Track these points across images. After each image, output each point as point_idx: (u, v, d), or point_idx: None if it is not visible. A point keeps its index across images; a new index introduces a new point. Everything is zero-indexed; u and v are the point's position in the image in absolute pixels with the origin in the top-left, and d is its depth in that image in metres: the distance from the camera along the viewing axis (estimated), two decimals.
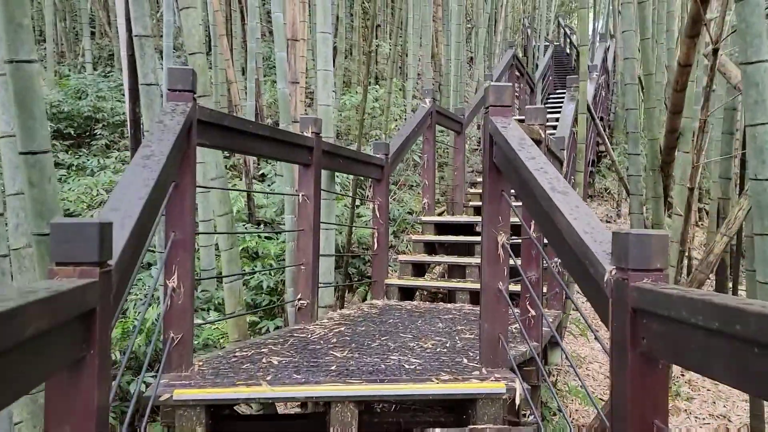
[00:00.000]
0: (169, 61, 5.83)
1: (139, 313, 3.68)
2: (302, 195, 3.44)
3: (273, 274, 4.73)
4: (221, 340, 3.95)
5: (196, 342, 3.57)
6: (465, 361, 2.58)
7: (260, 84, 8.65)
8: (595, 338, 4.86)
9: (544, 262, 3.04)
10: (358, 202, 5.81)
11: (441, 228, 5.34)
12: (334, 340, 2.98)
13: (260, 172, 7.07)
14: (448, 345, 2.90)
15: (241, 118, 2.57)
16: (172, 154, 2.09)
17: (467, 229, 5.17)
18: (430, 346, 2.88)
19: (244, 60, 8.70)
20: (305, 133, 3.39)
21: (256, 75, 7.46)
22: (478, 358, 2.55)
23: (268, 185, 6.84)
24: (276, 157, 3.35)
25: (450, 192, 7.83)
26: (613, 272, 1.26)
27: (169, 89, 2.34)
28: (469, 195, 6.73)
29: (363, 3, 12.85)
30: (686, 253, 5.54)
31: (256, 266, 4.77)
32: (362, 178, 5.35)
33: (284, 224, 5.63)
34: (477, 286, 4.47)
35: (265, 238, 5.61)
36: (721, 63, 3.91)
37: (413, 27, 10.30)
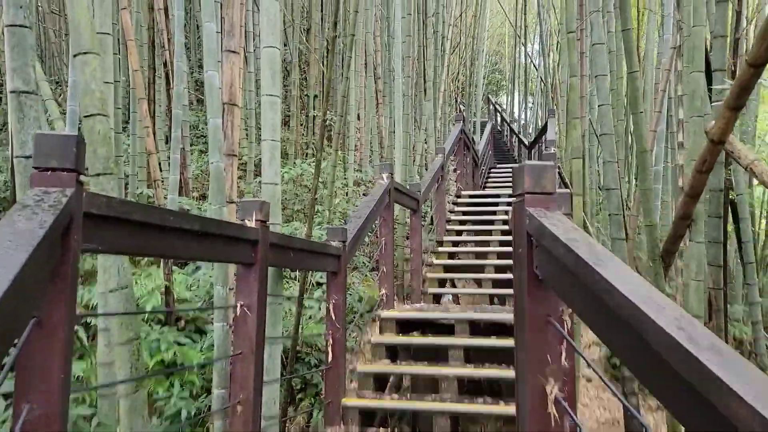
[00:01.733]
0: (74, 128, 4.85)
1: None
2: (241, 306, 2.54)
3: (196, 395, 3.68)
4: None
5: None
6: None
7: (186, 155, 7.74)
8: None
9: None
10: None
11: (404, 325, 4.50)
12: None
13: None
14: None
15: (158, 209, 1.68)
16: (28, 275, 1.18)
17: (439, 327, 4.37)
18: None
19: (168, 128, 7.79)
20: (247, 222, 2.52)
21: (182, 145, 6.55)
22: None
23: (193, 270, 5.81)
24: (208, 258, 2.43)
25: (400, 276, 7.07)
26: None
27: (35, 167, 1.45)
28: (426, 280, 5.95)
29: (302, 72, 12.34)
30: None
31: (173, 387, 3.70)
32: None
33: (211, 323, 4.63)
34: (458, 407, 3.63)
35: (186, 338, 4.57)
36: (728, 141, 3.42)
37: (355, 98, 9.80)
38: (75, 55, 2.21)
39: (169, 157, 6.37)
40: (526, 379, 1.70)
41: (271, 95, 3.13)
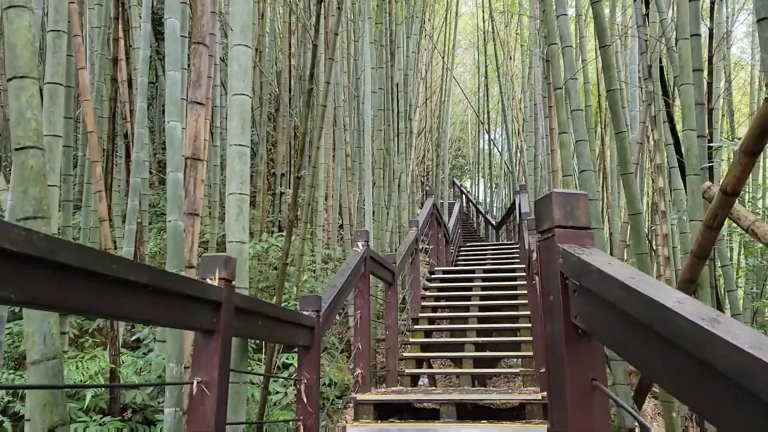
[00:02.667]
0: None
1: None
2: (198, 383, 2.09)
3: None
4: None
5: None
6: None
7: (143, 230, 7.26)
8: None
9: None
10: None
11: (383, 410, 4.01)
12: None
13: (134, 337, 5.45)
14: None
15: (95, 251, 1.28)
16: None
17: (419, 412, 3.90)
18: None
19: (126, 205, 7.36)
20: (209, 281, 2.13)
21: (140, 219, 6.13)
22: None
23: (143, 353, 5.22)
24: (159, 321, 1.97)
25: (372, 357, 6.57)
26: None
27: None
28: (403, 360, 5.49)
29: (269, 150, 12.20)
30: None
31: None
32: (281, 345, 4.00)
33: (162, 411, 4.03)
34: None
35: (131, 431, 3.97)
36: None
37: (323, 173, 9.62)
38: (9, 79, 1.87)
39: (124, 235, 5.90)
40: None
41: (241, 145, 2.82)
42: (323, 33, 9.94)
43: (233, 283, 2.23)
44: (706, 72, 4.78)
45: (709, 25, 5.04)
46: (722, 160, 7.01)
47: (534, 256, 1.57)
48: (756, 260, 6.74)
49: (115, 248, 6.03)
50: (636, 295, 1.12)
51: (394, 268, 5.37)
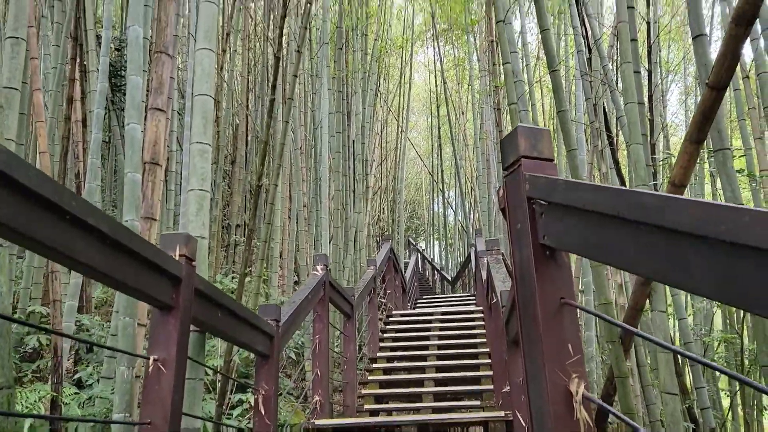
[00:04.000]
0: None
1: None
2: (155, 360, 1.99)
3: None
4: None
5: None
6: None
7: None
8: None
9: None
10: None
11: None
12: None
13: (76, 376, 5.12)
14: None
15: (50, 178, 1.26)
16: None
17: None
18: None
19: None
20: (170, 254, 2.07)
21: None
22: None
23: (87, 397, 4.90)
24: (114, 280, 1.79)
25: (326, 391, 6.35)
26: None
27: None
28: (363, 395, 5.33)
29: (224, 206, 12.10)
30: None
31: None
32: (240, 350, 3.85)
33: None
34: None
35: None
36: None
37: (280, 220, 9.57)
38: None
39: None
40: (541, 382, 1.31)
41: (202, 143, 2.81)
42: (281, 88, 10.15)
43: (194, 262, 2.17)
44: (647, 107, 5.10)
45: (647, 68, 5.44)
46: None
47: (501, 192, 1.61)
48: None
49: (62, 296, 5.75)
50: (604, 191, 1.17)
51: (353, 301, 5.31)
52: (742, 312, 7.82)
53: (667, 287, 5.14)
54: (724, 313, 9.65)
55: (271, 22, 12.62)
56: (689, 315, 8.49)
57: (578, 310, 1.38)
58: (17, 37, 3.21)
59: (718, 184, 10.17)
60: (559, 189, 1.31)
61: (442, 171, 20.45)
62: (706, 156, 7.22)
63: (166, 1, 3.22)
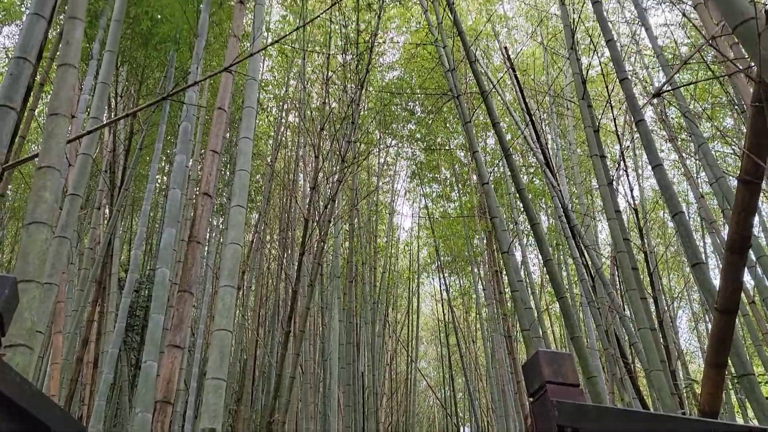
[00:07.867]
0: None
1: None
2: None
3: None
4: None
5: None
6: None
7: None
8: None
9: None
10: None
11: None
12: None
13: None
14: None
15: None
16: None
17: None
18: None
19: None
20: None
21: None
22: None
23: None
24: None
25: None
26: None
27: None
28: None
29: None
30: None
31: None
32: None
33: None
34: None
35: None
36: None
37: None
38: (19, 281, 1.97)
39: None
40: None
41: (218, 378, 2.80)
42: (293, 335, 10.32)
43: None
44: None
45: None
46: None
47: (529, 420, 1.57)
48: None
49: None
50: (638, 416, 1.16)
51: None
52: None
53: None
54: None
55: (284, 260, 13.32)
56: None
57: None
58: (51, 283, 3.40)
59: (750, 413, 9.65)
60: (590, 415, 1.29)
61: (455, 403, 19.56)
62: (730, 384, 6.98)
63: (194, 244, 3.49)
